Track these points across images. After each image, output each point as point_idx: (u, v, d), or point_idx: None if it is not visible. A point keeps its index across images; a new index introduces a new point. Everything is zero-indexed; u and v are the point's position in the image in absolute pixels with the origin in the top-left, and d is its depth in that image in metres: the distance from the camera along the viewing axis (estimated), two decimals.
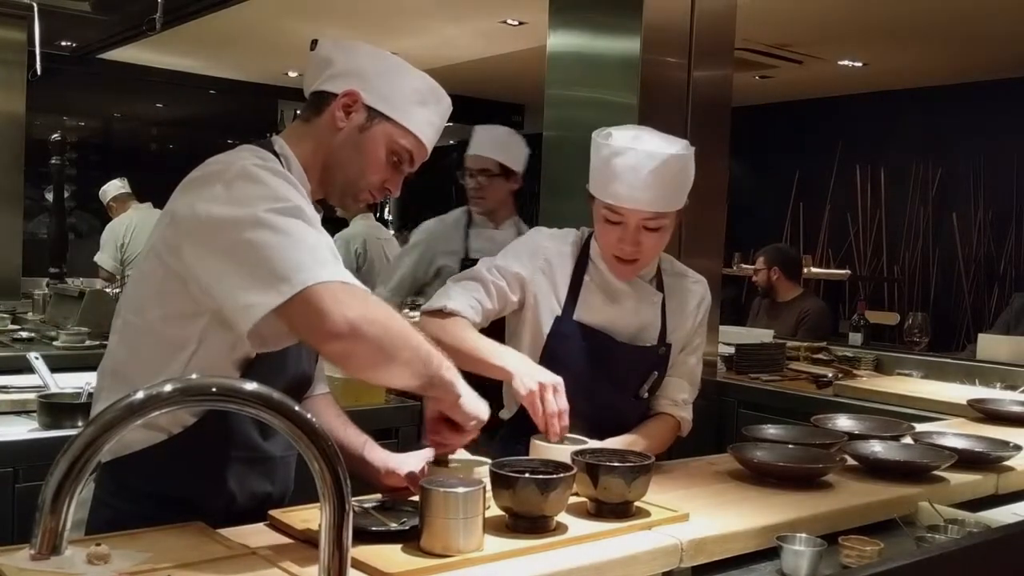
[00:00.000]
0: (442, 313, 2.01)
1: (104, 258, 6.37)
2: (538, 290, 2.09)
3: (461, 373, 1.58)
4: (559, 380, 1.83)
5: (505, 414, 2.17)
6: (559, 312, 2.09)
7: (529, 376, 1.84)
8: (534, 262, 2.10)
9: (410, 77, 1.70)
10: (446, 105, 1.75)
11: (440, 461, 1.63)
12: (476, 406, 1.56)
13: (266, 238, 1.41)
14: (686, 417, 2.16)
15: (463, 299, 2.03)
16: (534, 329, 2.10)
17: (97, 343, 3.97)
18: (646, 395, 2.12)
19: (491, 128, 3.66)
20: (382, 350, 1.43)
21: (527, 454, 1.79)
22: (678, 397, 2.16)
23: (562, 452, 1.73)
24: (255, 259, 1.41)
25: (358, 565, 1.30)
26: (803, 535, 1.54)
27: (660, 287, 2.16)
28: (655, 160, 1.96)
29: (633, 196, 1.97)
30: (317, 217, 1.54)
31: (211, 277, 1.45)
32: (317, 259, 1.42)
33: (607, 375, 2.07)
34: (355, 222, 5.42)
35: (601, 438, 1.93)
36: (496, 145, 3.56)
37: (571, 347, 2.06)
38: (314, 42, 1.72)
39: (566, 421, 1.81)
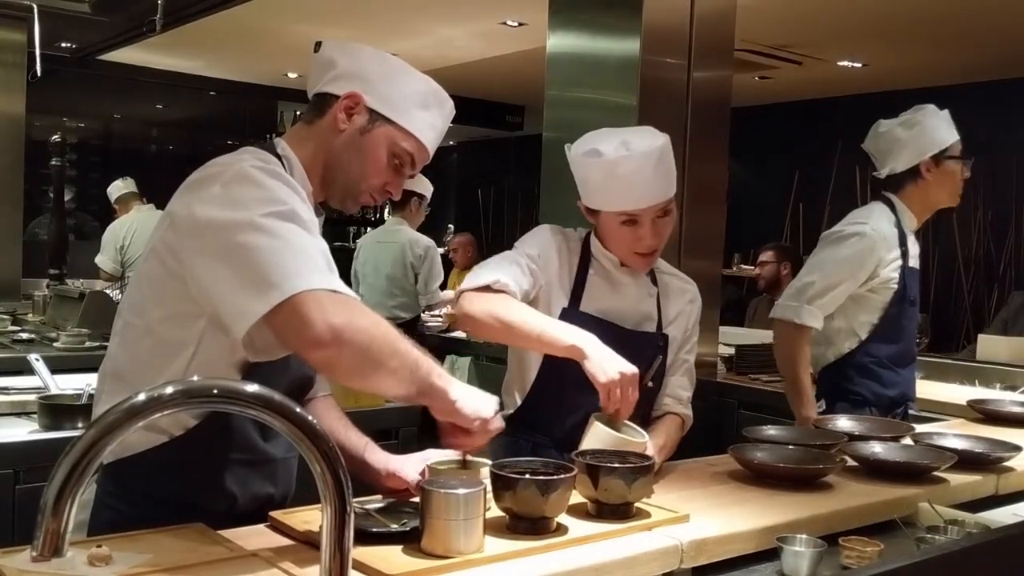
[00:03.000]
0: (490, 289, 1.98)
1: (104, 260, 6.37)
2: (549, 279, 2.13)
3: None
4: (636, 371, 1.84)
5: (505, 412, 2.18)
6: (565, 304, 2.12)
7: (609, 364, 1.83)
8: (547, 251, 2.14)
9: (412, 80, 1.70)
10: (448, 108, 1.75)
11: (464, 463, 1.63)
12: (476, 407, 1.55)
13: (259, 242, 1.41)
14: (688, 414, 2.20)
15: (508, 275, 2.01)
16: None
17: (97, 344, 3.98)
18: (651, 384, 2.13)
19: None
20: (367, 358, 1.43)
21: (528, 452, 1.79)
22: (683, 395, 2.20)
23: (619, 440, 1.77)
24: (248, 264, 1.41)
25: (359, 566, 1.30)
26: (803, 536, 1.54)
27: (654, 282, 2.21)
28: (651, 158, 2.01)
29: (645, 197, 2.02)
30: (315, 221, 1.54)
31: (207, 281, 1.45)
32: (308, 266, 1.42)
33: None
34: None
35: None
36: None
37: None
38: (318, 44, 1.72)
39: (631, 410, 1.83)
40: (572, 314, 2.10)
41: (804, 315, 2.80)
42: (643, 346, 2.13)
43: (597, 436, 1.80)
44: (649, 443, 1.88)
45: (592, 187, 2.08)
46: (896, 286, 2.84)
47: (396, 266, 5.54)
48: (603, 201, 2.07)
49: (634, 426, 1.88)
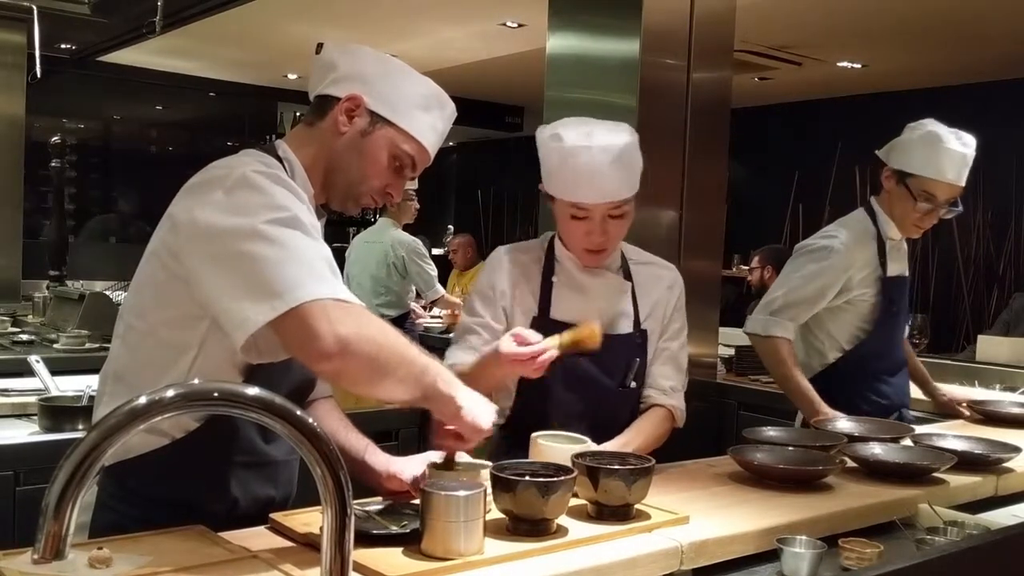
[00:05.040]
0: None
1: None
2: (513, 300, 2.14)
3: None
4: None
5: (498, 420, 2.18)
6: (535, 313, 2.12)
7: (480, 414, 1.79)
8: (501, 279, 2.15)
9: (414, 82, 1.70)
10: (450, 110, 1.75)
11: (448, 464, 1.64)
12: (477, 416, 1.55)
13: (262, 251, 1.41)
14: (677, 405, 2.17)
15: (461, 353, 2.09)
16: None
17: (97, 346, 3.98)
18: (633, 384, 2.13)
19: (959, 138, 2.73)
20: (375, 367, 1.44)
21: (523, 457, 1.79)
22: (665, 384, 2.17)
23: (562, 453, 1.74)
24: (250, 272, 1.41)
25: (359, 568, 1.31)
26: (803, 537, 1.54)
27: (627, 276, 2.19)
28: (609, 154, 1.99)
29: (596, 191, 2.01)
30: (318, 227, 1.54)
31: (208, 287, 1.45)
32: (312, 274, 1.42)
33: (591, 368, 2.09)
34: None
35: (596, 432, 1.94)
36: (966, 167, 2.75)
37: None
38: (319, 46, 1.72)
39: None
40: (542, 323, 2.09)
41: (771, 327, 2.78)
42: (617, 349, 2.12)
43: (537, 454, 1.79)
44: (590, 444, 1.86)
45: (549, 172, 2.08)
46: (874, 299, 2.80)
47: (380, 266, 5.75)
48: (557, 188, 2.06)
49: (580, 436, 1.86)
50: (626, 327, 2.15)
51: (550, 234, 2.22)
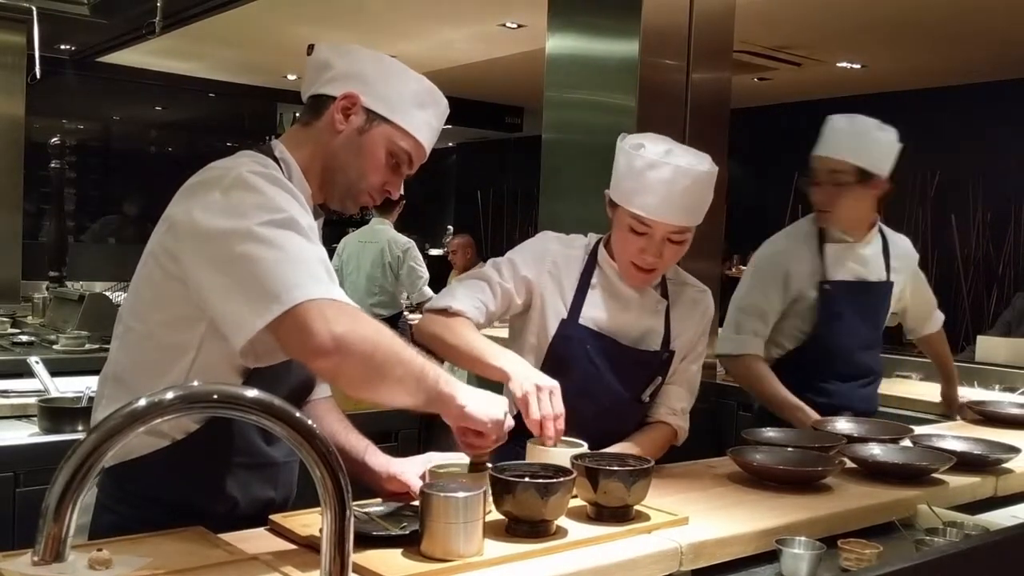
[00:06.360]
0: (446, 312, 2.02)
1: None
2: (544, 292, 2.10)
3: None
4: (556, 384, 1.81)
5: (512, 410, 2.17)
6: (565, 315, 2.09)
7: (526, 378, 1.82)
8: (541, 265, 2.11)
9: (408, 79, 1.70)
10: (444, 107, 1.76)
11: (477, 466, 1.62)
12: (486, 410, 1.55)
13: (259, 253, 1.42)
14: (683, 426, 2.17)
15: (468, 299, 2.03)
16: (539, 331, 2.11)
17: (97, 347, 3.98)
18: (647, 399, 2.13)
19: (851, 119, 2.78)
20: (372, 367, 1.43)
21: (524, 457, 1.79)
22: (677, 406, 2.17)
23: (557, 456, 1.73)
24: (247, 274, 1.41)
25: (359, 570, 1.31)
26: (802, 538, 1.54)
27: (664, 294, 2.17)
28: (688, 177, 1.97)
29: (665, 210, 1.98)
30: (314, 227, 1.54)
31: (206, 289, 1.46)
32: (308, 276, 1.42)
33: (611, 378, 2.08)
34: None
35: (601, 440, 1.93)
36: (853, 144, 2.76)
37: (576, 349, 2.07)
38: (311, 47, 1.73)
39: (561, 425, 1.78)
40: (570, 326, 2.08)
41: (741, 346, 2.74)
42: (641, 364, 2.11)
43: (533, 457, 1.77)
44: (585, 448, 1.83)
45: (621, 178, 2.04)
46: (814, 303, 2.73)
47: (376, 266, 5.77)
48: (624, 196, 2.02)
49: (575, 440, 1.83)
50: (654, 344, 2.13)
51: (596, 237, 2.18)
